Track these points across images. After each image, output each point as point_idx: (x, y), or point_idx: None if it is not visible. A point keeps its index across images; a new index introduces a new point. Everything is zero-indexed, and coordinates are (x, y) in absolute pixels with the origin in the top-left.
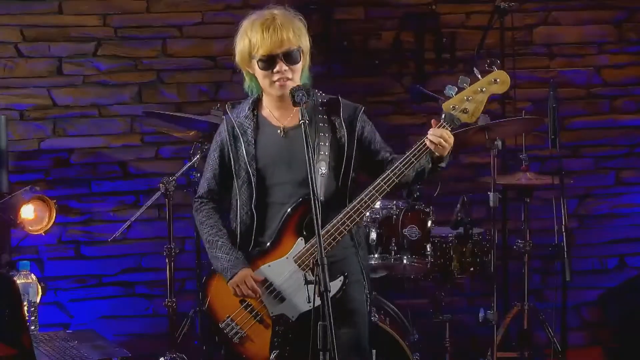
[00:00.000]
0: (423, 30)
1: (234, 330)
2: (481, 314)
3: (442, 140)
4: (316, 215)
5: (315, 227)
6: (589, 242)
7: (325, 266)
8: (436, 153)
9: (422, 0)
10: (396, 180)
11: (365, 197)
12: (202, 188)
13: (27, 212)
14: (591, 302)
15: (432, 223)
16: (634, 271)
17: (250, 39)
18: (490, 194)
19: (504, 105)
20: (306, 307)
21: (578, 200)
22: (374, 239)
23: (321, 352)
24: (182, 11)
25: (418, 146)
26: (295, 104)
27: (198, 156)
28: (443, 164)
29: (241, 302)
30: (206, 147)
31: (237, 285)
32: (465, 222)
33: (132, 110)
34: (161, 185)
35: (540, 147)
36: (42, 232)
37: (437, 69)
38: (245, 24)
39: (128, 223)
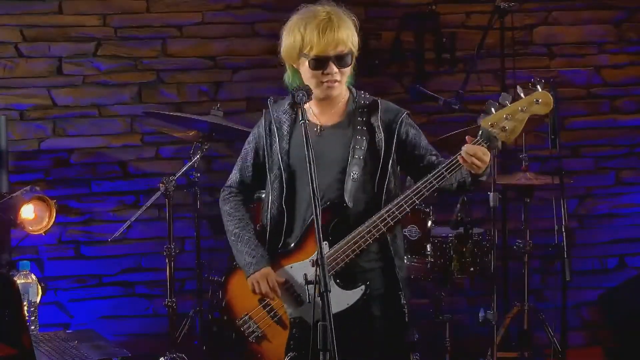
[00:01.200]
0: (423, 30)
1: (250, 329)
2: (481, 314)
3: (475, 160)
4: (316, 215)
5: (316, 228)
6: (589, 242)
7: (325, 266)
8: (471, 170)
9: (422, 0)
10: (426, 194)
11: (394, 207)
12: (234, 178)
13: (27, 212)
14: (591, 302)
15: (432, 223)
16: (634, 271)
17: (302, 35)
18: (490, 194)
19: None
20: None
21: (578, 200)
22: None
23: (321, 352)
24: (182, 11)
25: (452, 161)
26: (295, 104)
27: (198, 156)
28: (482, 178)
29: (260, 301)
30: (206, 147)
31: (257, 282)
32: (465, 222)
33: (132, 110)
34: (161, 185)
35: (540, 147)
36: (42, 232)
37: (437, 69)
38: (296, 19)
39: (128, 223)
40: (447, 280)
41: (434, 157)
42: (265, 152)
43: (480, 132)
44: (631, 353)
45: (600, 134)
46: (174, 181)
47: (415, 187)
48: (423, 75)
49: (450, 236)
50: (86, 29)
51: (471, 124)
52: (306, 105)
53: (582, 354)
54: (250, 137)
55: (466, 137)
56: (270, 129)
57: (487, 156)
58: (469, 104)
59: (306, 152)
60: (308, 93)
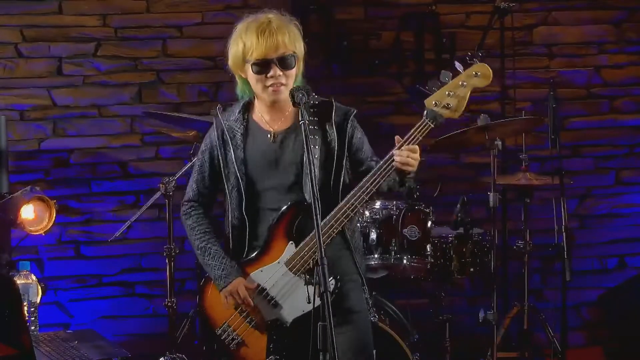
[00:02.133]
0: (423, 30)
1: (230, 337)
2: (481, 314)
3: (410, 160)
4: (316, 215)
5: (316, 228)
6: (589, 242)
7: (326, 266)
8: (404, 170)
9: (422, 0)
10: (366, 198)
11: (345, 204)
12: (192, 191)
13: (27, 212)
14: (591, 302)
15: (432, 223)
16: (634, 271)
17: (244, 42)
18: (490, 194)
19: (504, 105)
20: (299, 311)
21: (578, 200)
22: (374, 239)
23: (321, 353)
24: (182, 11)
25: (386, 165)
26: (295, 104)
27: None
28: (411, 176)
29: (236, 308)
30: None
31: (230, 295)
32: (465, 222)
33: (132, 110)
34: (161, 185)
35: (540, 147)
36: (42, 232)
37: (437, 69)
38: (240, 27)
39: (128, 223)
40: (447, 280)
41: (373, 163)
42: (221, 162)
43: (425, 112)
44: (631, 353)
45: (600, 134)
46: (174, 181)
47: (350, 195)
48: (423, 75)
49: (450, 236)
50: (86, 29)
51: (471, 124)
52: (257, 115)
53: (582, 354)
54: (203, 148)
55: (395, 137)
56: (223, 139)
57: (417, 153)
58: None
59: (306, 152)
60: (308, 93)
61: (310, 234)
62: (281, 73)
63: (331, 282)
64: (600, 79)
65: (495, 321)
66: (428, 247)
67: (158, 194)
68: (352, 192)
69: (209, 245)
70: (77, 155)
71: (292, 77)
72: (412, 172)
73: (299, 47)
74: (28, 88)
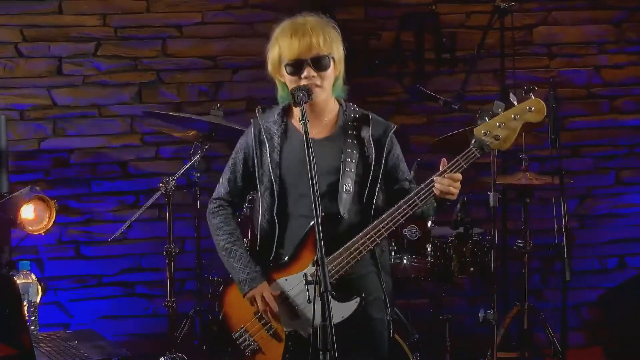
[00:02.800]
0: (423, 30)
1: (246, 342)
2: (481, 314)
3: (450, 189)
4: (316, 215)
5: (316, 228)
6: (589, 242)
7: (325, 266)
8: (443, 198)
9: (422, 0)
10: (402, 220)
11: (380, 222)
12: (222, 189)
13: (27, 212)
14: (591, 302)
15: (432, 223)
16: (634, 271)
17: (280, 45)
18: (490, 194)
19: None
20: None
21: (578, 200)
22: None
23: (321, 353)
24: (182, 11)
25: (427, 188)
26: (295, 104)
27: (198, 156)
28: (449, 204)
29: (256, 313)
30: (206, 147)
31: (254, 299)
32: (465, 222)
33: (132, 110)
34: (161, 185)
35: (540, 147)
36: (42, 232)
37: (437, 69)
38: (277, 31)
39: (128, 223)
40: (447, 280)
41: (407, 183)
42: (255, 163)
43: (473, 140)
44: (631, 353)
45: (600, 134)
46: (174, 181)
47: (390, 211)
48: (423, 75)
49: (450, 236)
50: (86, 29)
51: (471, 124)
52: (295, 117)
53: (582, 354)
54: (238, 147)
55: (442, 160)
56: (260, 140)
57: (459, 182)
58: (469, 104)
59: (306, 153)
60: (308, 93)
61: (340, 249)
62: (315, 74)
63: (356, 300)
64: (600, 79)
65: (495, 321)
66: (428, 247)
67: (158, 194)
68: (388, 212)
69: (234, 247)
70: (77, 155)
71: (329, 79)
72: (451, 200)
73: (337, 49)
74: (28, 88)
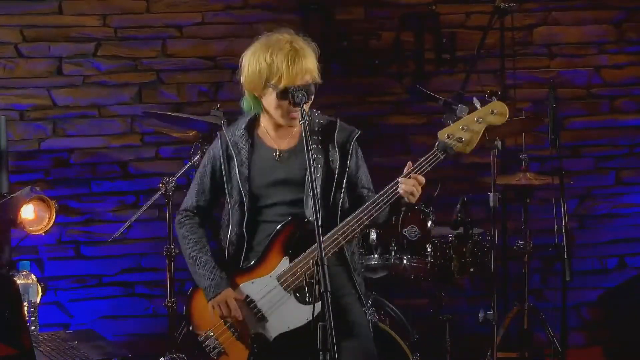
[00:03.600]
0: (423, 30)
1: (212, 345)
2: (481, 314)
3: (414, 190)
4: (316, 215)
5: (316, 228)
6: (589, 242)
7: (326, 266)
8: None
9: (422, 0)
10: (367, 222)
11: (351, 221)
12: (189, 202)
13: (27, 212)
14: (591, 302)
15: (432, 223)
16: (634, 271)
17: (269, 64)
18: (490, 194)
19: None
20: (285, 327)
21: (578, 200)
22: (374, 239)
23: (321, 353)
24: (182, 11)
25: (391, 190)
26: (295, 104)
27: (198, 156)
28: (404, 209)
29: (222, 317)
30: (206, 147)
31: (218, 306)
32: (465, 222)
33: (132, 110)
34: (161, 185)
35: (540, 147)
36: (42, 232)
37: (437, 69)
38: (260, 47)
39: (128, 223)
40: (447, 280)
41: (365, 191)
42: (224, 177)
43: (437, 143)
44: (631, 353)
45: (600, 134)
46: (174, 181)
47: (351, 216)
48: (423, 75)
49: (450, 236)
50: (86, 29)
51: None
52: (263, 131)
53: (582, 354)
54: (206, 160)
55: (408, 163)
56: (227, 154)
57: (422, 185)
58: (469, 104)
59: (306, 153)
60: (308, 93)
61: (306, 252)
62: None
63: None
64: (600, 79)
65: (495, 321)
66: (428, 247)
67: (158, 194)
68: (353, 214)
69: (200, 255)
70: (77, 155)
71: (309, 103)
72: (411, 202)
73: (317, 71)
74: (28, 88)
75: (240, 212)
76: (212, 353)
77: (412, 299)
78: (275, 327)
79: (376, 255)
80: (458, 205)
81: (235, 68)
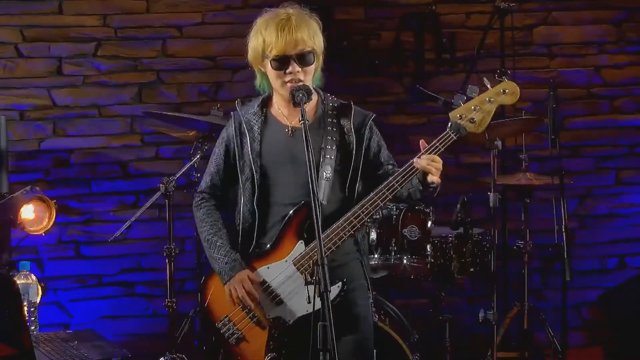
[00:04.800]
0: (423, 30)
1: (230, 331)
2: (481, 314)
3: (431, 168)
4: (316, 215)
5: (316, 228)
6: (589, 242)
7: (326, 266)
8: (427, 176)
9: (422, 0)
10: (381, 204)
11: (360, 208)
12: (205, 183)
13: (27, 212)
14: (591, 302)
15: (432, 223)
16: (634, 271)
17: (264, 37)
18: (490, 194)
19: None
20: (304, 311)
21: (578, 200)
22: (374, 239)
23: (321, 352)
24: (182, 11)
25: (404, 172)
26: (295, 104)
27: (198, 156)
28: (434, 185)
29: (239, 301)
30: (206, 147)
31: (234, 288)
32: (465, 222)
33: (132, 110)
34: (161, 185)
35: (540, 147)
36: (42, 232)
37: (437, 69)
38: (260, 22)
39: (128, 223)
40: (447, 280)
41: (390, 167)
42: (237, 154)
43: (449, 124)
44: (631, 353)
45: (600, 134)
46: (174, 181)
47: (374, 192)
48: (423, 75)
49: (450, 236)
50: (86, 29)
51: None
52: (276, 109)
53: (582, 354)
54: (220, 140)
55: (421, 141)
56: (240, 131)
57: (440, 162)
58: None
59: (306, 153)
60: (308, 93)
61: (322, 234)
62: (299, 69)
63: (338, 285)
64: (600, 79)
65: (495, 321)
66: (428, 247)
67: (158, 194)
68: (367, 197)
69: (215, 238)
70: (77, 155)
71: (311, 73)
72: (436, 182)
73: (318, 43)
74: (28, 88)
75: (251, 188)
76: (231, 339)
77: (412, 299)
78: (294, 311)
79: (376, 255)
80: (458, 205)
81: (235, 68)
